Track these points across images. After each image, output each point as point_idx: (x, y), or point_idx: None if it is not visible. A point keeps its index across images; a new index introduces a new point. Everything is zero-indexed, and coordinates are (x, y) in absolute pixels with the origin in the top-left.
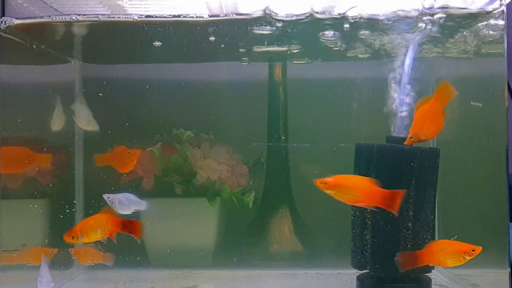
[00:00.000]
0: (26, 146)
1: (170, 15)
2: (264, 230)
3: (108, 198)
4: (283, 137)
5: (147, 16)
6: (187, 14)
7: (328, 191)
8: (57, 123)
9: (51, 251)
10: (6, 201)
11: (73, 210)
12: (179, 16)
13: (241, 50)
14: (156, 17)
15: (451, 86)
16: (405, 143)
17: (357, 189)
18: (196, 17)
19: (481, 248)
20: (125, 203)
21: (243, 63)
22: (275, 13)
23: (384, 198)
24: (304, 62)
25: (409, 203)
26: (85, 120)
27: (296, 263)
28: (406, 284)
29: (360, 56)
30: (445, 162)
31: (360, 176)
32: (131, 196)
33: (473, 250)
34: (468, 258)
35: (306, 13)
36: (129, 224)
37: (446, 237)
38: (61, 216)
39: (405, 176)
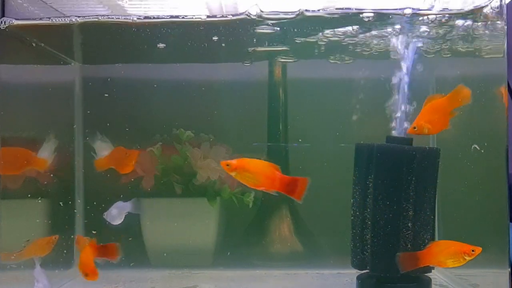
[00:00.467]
0: (26, 146)
1: (168, 16)
2: (264, 230)
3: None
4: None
5: (145, 17)
6: (185, 16)
7: (231, 173)
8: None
9: (54, 238)
10: (6, 201)
11: (74, 210)
12: (177, 16)
13: (240, 50)
14: (153, 18)
15: (469, 92)
16: (407, 131)
17: (258, 173)
18: (195, 17)
19: (480, 248)
20: (115, 214)
21: (245, 63)
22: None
23: (283, 184)
24: (295, 60)
25: (409, 203)
26: (106, 150)
27: (296, 263)
28: (406, 284)
29: (358, 55)
30: (445, 162)
31: (264, 161)
32: (119, 204)
33: (472, 251)
34: (468, 258)
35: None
36: (104, 249)
37: (446, 237)
38: (61, 216)
39: (405, 176)
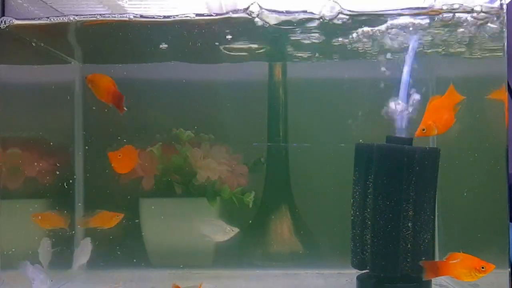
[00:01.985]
0: (26, 146)
1: (161, 16)
2: (264, 230)
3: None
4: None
5: (141, 16)
6: (176, 15)
7: (88, 84)
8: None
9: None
10: (6, 201)
11: (73, 210)
12: (169, 17)
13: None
14: (148, 17)
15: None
16: (416, 135)
17: (100, 86)
18: (185, 16)
19: (493, 266)
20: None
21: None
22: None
23: (114, 97)
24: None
25: (409, 203)
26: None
27: (296, 263)
28: (406, 284)
29: (359, 55)
30: (445, 162)
31: (109, 78)
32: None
33: (483, 268)
34: (479, 275)
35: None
36: None
37: (446, 237)
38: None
39: (405, 176)
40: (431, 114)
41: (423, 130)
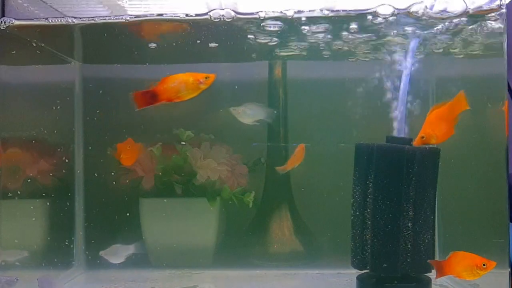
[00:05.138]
0: (26, 146)
1: (154, 14)
2: (264, 230)
3: None
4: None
5: (136, 17)
6: (166, 14)
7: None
8: None
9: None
10: (6, 201)
11: (73, 210)
12: (161, 14)
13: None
14: (143, 17)
15: (466, 100)
16: (414, 142)
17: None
18: (175, 16)
19: (494, 263)
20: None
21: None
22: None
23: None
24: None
25: (409, 203)
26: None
27: (296, 263)
28: (406, 284)
29: (360, 56)
30: (445, 162)
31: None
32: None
33: (484, 265)
34: (481, 272)
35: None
36: None
37: (446, 237)
38: (61, 216)
39: (405, 176)
40: (431, 123)
41: (422, 137)
